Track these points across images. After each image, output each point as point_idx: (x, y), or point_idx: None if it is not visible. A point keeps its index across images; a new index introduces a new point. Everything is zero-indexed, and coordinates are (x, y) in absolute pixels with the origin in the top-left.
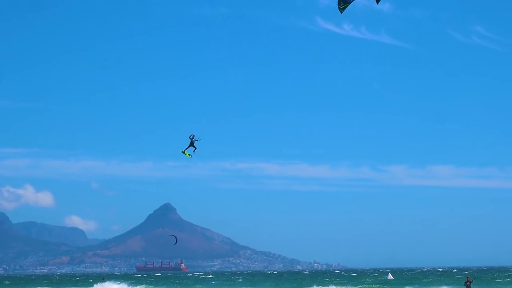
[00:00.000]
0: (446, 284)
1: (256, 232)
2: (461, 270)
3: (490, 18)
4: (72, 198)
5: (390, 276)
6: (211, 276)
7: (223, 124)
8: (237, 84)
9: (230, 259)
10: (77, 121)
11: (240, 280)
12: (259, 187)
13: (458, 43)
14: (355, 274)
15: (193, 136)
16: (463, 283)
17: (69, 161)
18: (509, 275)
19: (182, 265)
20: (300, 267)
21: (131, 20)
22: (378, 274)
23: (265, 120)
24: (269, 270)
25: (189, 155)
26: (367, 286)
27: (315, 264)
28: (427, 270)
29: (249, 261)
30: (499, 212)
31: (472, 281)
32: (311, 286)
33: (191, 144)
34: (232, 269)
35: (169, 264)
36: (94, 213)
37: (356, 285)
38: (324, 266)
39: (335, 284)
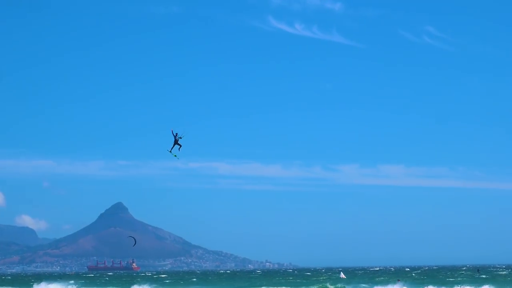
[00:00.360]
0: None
1: (208, 231)
2: (413, 269)
3: (441, 18)
4: (22, 197)
5: (342, 275)
6: (164, 275)
7: (175, 122)
8: (187, 83)
9: (182, 258)
10: (27, 120)
11: (195, 279)
12: (211, 186)
13: (409, 43)
14: (309, 273)
15: (177, 134)
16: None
17: (20, 160)
18: (461, 274)
19: (134, 264)
20: (252, 266)
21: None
22: (330, 273)
23: (217, 120)
24: (221, 270)
25: (175, 155)
26: (321, 285)
27: (267, 263)
28: (379, 269)
29: (201, 260)
30: (449, 211)
31: (398, 281)
32: (272, 286)
33: (176, 142)
34: (184, 268)
35: (120, 263)
36: (45, 213)
37: (313, 284)
38: (276, 266)
39: (292, 286)
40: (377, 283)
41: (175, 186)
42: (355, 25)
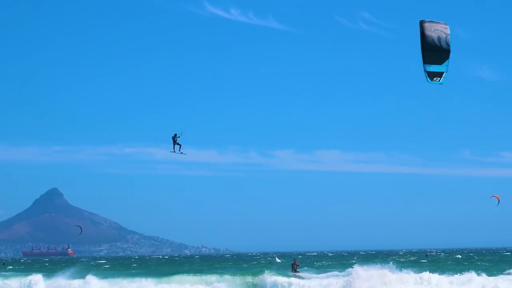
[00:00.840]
0: (334, 268)
1: (144, 217)
2: (351, 253)
3: (376, 4)
4: None
5: (278, 260)
6: (103, 261)
7: (110, 107)
8: (123, 69)
9: (118, 243)
10: None
11: (135, 265)
12: (147, 172)
13: (344, 29)
14: (247, 258)
15: (175, 134)
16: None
17: None
18: (404, 258)
19: (69, 250)
20: (188, 252)
21: None
22: (270, 258)
23: (152, 105)
24: (158, 255)
25: (181, 152)
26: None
27: (203, 249)
28: (316, 254)
29: (137, 245)
30: (385, 196)
31: (298, 265)
32: (214, 270)
33: (175, 143)
34: (120, 254)
35: (56, 249)
36: None
37: (256, 267)
38: (212, 251)
39: (237, 270)
40: (317, 268)
41: (111, 172)
42: (291, 10)
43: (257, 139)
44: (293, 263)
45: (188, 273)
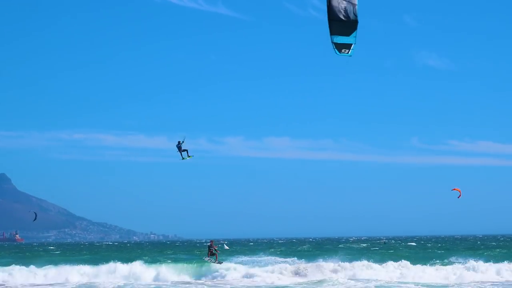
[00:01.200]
0: (284, 254)
1: (93, 203)
2: (301, 241)
3: None
4: None
5: (226, 247)
6: (52, 247)
7: (59, 92)
8: (71, 56)
9: (66, 230)
10: None
11: (85, 252)
12: (96, 158)
13: (294, 16)
14: (198, 245)
15: (179, 142)
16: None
17: None
18: (341, 248)
19: (17, 236)
20: (137, 238)
21: None
22: (217, 245)
23: (101, 91)
24: (107, 241)
25: (190, 156)
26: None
27: (152, 235)
28: (263, 241)
29: (85, 232)
30: (333, 183)
31: (215, 248)
32: (165, 256)
33: (180, 150)
34: (68, 240)
35: (3, 235)
36: None
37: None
38: (161, 237)
39: (187, 256)
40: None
41: (60, 158)
42: None
43: (206, 126)
44: (210, 245)
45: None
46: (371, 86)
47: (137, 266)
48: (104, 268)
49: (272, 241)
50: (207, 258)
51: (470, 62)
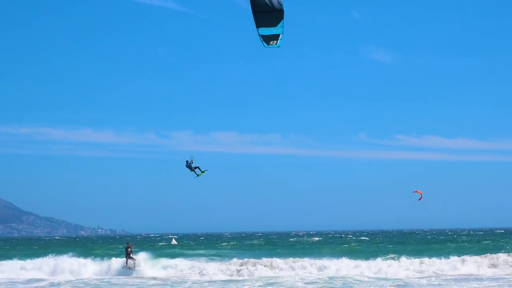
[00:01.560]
0: (238, 248)
1: (40, 197)
2: (249, 235)
3: None
4: None
5: (174, 242)
6: (1, 242)
7: (5, 87)
8: (14, 47)
9: (13, 224)
10: None
11: (36, 247)
12: (43, 152)
13: (242, 10)
14: (148, 239)
15: (187, 161)
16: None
17: None
18: (291, 242)
19: None
20: (84, 233)
21: None
22: (165, 242)
23: (48, 85)
24: (54, 236)
25: (203, 171)
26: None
27: (99, 230)
28: (213, 235)
29: (32, 226)
30: (282, 178)
31: (133, 247)
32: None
33: (191, 168)
34: (15, 234)
35: None
36: None
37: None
38: (108, 232)
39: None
40: (219, 248)
41: (6, 151)
42: None
43: (154, 120)
44: (127, 247)
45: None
46: (319, 81)
47: (89, 261)
48: (50, 261)
49: (220, 235)
50: (126, 267)
51: (416, 57)
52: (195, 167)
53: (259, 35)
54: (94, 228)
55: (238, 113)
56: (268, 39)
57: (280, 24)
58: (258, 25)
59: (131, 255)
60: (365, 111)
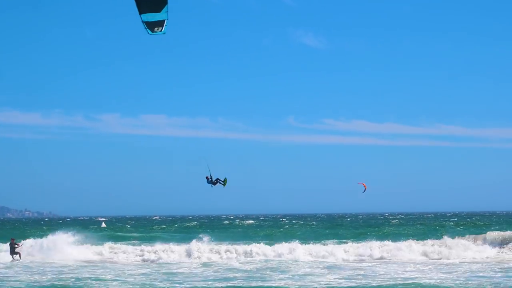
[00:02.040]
0: (176, 232)
1: None
2: (183, 218)
3: None
4: None
5: (103, 225)
6: None
7: None
8: None
9: None
10: None
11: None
12: None
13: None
14: (81, 221)
15: (207, 177)
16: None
17: None
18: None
19: None
20: (10, 215)
21: None
22: (95, 226)
23: None
24: None
25: (225, 181)
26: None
27: (26, 212)
28: (144, 218)
29: None
30: (211, 161)
31: (18, 245)
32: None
33: (214, 183)
34: None
35: None
36: None
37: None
38: (36, 214)
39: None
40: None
41: None
42: None
43: (83, 102)
44: (11, 243)
45: None
46: (248, 65)
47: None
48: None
49: (150, 218)
50: (11, 260)
51: (347, 42)
52: (216, 180)
53: (142, 22)
54: (21, 210)
55: (166, 95)
56: (152, 26)
57: (165, 9)
58: (141, 12)
59: (15, 251)
60: (294, 95)
